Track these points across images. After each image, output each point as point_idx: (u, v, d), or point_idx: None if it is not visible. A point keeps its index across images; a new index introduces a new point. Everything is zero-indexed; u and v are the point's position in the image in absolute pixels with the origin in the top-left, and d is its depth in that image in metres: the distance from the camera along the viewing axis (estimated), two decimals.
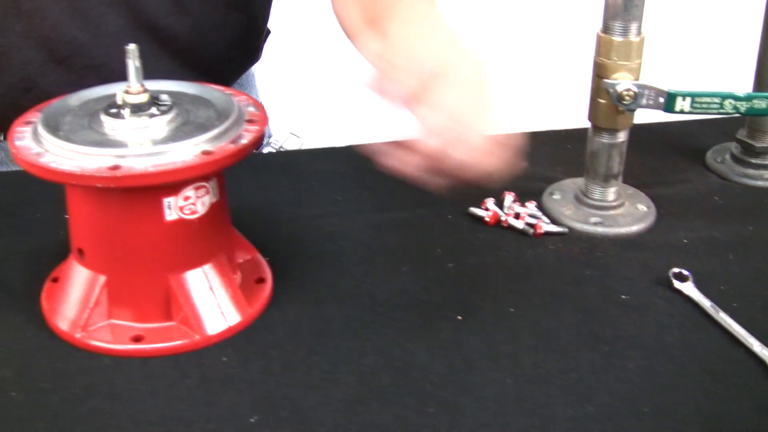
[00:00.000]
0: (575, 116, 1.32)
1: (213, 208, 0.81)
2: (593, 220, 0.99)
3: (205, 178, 0.79)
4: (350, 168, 1.13)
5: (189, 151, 0.76)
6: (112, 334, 0.82)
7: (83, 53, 1.13)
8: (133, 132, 0.79)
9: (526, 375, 0.77)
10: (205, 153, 0.76)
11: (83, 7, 1.10)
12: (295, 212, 1.03)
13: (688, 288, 0.88)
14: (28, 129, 0.81)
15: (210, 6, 1.17)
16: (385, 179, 1.09)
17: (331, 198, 1.06)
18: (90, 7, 1.10)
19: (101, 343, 0.81)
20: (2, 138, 1.25)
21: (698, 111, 0.95)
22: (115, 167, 0.73)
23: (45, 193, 1.05)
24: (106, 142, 0.78)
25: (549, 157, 1.16)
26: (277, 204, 1.05)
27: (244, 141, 0.79)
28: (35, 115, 0.83)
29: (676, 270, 0.89)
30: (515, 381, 0.77)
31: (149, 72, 1.18)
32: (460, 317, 0.84)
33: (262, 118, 0.83)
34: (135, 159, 0.74)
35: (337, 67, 2.68)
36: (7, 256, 0.94)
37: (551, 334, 0.82)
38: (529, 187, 1.06)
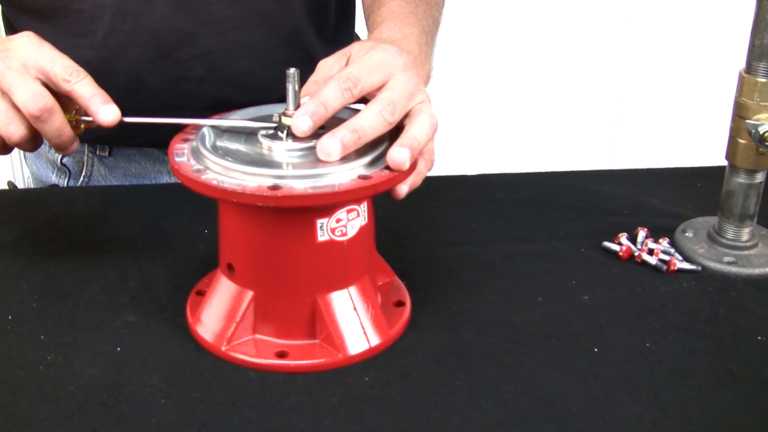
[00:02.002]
0: (705, 154, 1.32)
1: (361, 231, 0.83)
2: (727, 259, 0.99)
3: (358, 201, 0.81)
4: (484, 197, 1.15)
5: (346, 175, 0.78)
6: (257, 349, 0.84)
7: (189, 43, 1.16)
8: (290, 154, 0.81)
9: (663, 410, 0.77)
10: (362, 177, 0.78)
11: None
12: (431, 238, 1.05)
13: None
14: (186, 146, 0.84)
15: None
16: (519, 210, 1.11)
17: (466, 226, 1.08)
18: None
19: (246, 356, 0.83)
20: (107, 152, 1.29)
21: None
22: (275, 187, 0.76)
23: (184, 208, 1.09)
24: (264, 163, 0.80)
25: (679, 195, 1.16)
26: (412, 229, 1.07)
27: None
28: (192, 133, 0.86)
29: None
30: (653, 415, 0.77)
31: (260, 60, 1.21)
32: (596, 349, 0.85)
33: None
34: (294, 180, 0.77)
35: (470, 98, 2.71)
36: (153, 267, 0.97)
37: (687, 371, 0.82)
38: (660, 224, 1.06)
